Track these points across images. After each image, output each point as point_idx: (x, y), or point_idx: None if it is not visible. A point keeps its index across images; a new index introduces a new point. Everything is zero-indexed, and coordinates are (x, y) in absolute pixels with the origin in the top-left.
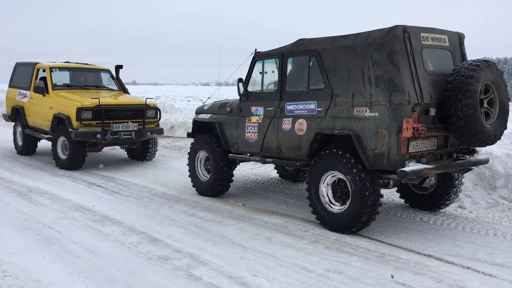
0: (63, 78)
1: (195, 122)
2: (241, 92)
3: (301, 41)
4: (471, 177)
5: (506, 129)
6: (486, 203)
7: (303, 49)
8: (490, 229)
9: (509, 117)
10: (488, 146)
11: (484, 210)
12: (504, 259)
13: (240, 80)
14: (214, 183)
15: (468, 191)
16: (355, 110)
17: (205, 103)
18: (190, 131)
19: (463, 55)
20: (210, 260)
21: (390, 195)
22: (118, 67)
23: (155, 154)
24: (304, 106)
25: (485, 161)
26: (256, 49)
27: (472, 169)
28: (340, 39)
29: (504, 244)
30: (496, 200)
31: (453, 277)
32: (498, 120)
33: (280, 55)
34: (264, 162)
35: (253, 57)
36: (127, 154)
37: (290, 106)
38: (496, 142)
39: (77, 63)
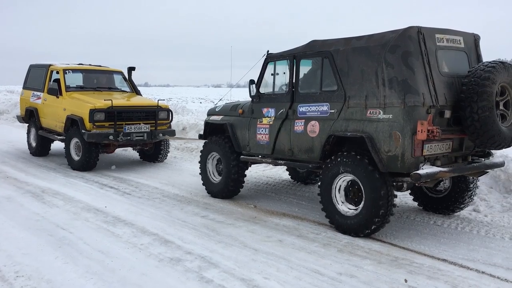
0: (76, 80)
1: (207, 124)
2: (253, 93)
3: (313, 43)
4: (486, 180)
5: None
6: (501, 206)
7: (316, 50)
8: (505, 233)
9: None
10: (503, 149)
11: (499, 214)
12: None
13: (251, 81)
14: (226, 185)
15: (483, 194)
16: (369, 112)
17: (216, 105)
18: (201, 132)
19: (478, 57)
20: (222, 262)
21: (404, 198)
22: (131, 69)
23: (167, 155)
24: (316, 108)
25: (501, 164)
26: (268, 51)
27: (488, 172)
28: (353, 40)
29: None
30: None
31: (468, 281)
32: None
33: (293, 56)
34: (276, 164)
35: (265, 59)
36: (139, 155)
37: (302, 108)
38: None
39: (90, 65)
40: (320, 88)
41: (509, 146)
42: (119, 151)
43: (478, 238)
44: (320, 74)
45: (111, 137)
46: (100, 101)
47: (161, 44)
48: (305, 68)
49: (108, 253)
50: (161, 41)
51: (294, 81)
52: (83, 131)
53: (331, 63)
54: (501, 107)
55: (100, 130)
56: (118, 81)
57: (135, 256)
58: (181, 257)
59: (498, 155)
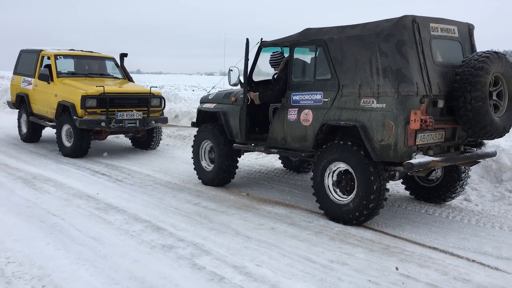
0: (67, 65)
1: (200, 112)
2: (234, 81)
3: (308, 31)
4: (477, 170)
5: None
6: (492, 196)
7: (310, 38)
8: (496, 222)
9: None
10: (496, 139)
11: (490, 203)
12: (510, 253)
13: (231, 69)
14: (218, 173)
15: (474, 184)
16: (362, 101)
17: (209, 93)
18: (194, 120)
19: (472, 47)
20: (214, 249)
21: (395, 187)
22: (123, 56)
23: (159, 143)
24: (310, 97)
25: (493, 154)
26: (262, 38)
27: (480, 162)
28: (347, 29)
29: (510, 238)
30: (503, 193)
31: (459, 270)
32: (507, 112)
33: (286, 44)
34: (269, 153)
35: (259, 46)
36: (131, 142)
37: (296, 97)
38: (504, 135)
39: (82, 51)
40: (313, 76)
41: (501, 136)
42: (111, 138)
43: (469, 227)
44: (314, 62)
45: (103, 124)
46: (92, 87)
47: (154, 31)
48: (299, 56)
49: (100, 240)
50: (154, 28)
51: (287, 69)
52: (74, 117)
53: (325, 51)
54: (494, 97)
55: (92, 117)
56: (110, 67)
57: (127, 243)
58: (174, 244)
59: (490, 145)
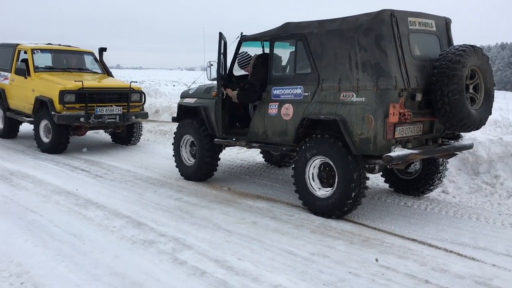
0: (45, 60)
1: (180, 107)
2: (212, 76)
3: (287, 25)
4: (454, 163)
5: (490, 114)
6: (469, 188)
7: (290, 33)
8: (473, 214)
9: (493, 103)
10: (472, 132)
11: (467, 195)
12: (486, 243)
13: (211, 63)
14: (200, 167)
15: (451, 176)
16: (342, 95)
17: (190, 87)
18: (175, 115)
19: (449, 40)
20: (195, 244)
21: (375, 179)
22: (102, 50)
23: (139, 138)
24: (290, 91)
25: (470, 146)
26: (242, 33)
27: (457, 154)
28: (327, 23)
29: (487, 228)
30: (479, 185)
31: (437, 260)
32: (483, 105)
33: (266, 38)
34: (250, 147)
35: (239, 41)
36: (111, 138)
37: (276, 91)
38: (481, 127)
39: (59, 45)
40: (294, 71)
41: (478, 129)
42: (90, 133)
43: (446, 218)
44: (294, 56)
45: (82, 119)
46: (71, 82)
47: (134, 25)
48: (279, 51)
49: (79, 236)
50: (134, 22)
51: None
52: (52, 112)
53: (305, 45)
54: (470, 90)
55: (70, 112)
56: (89, 62)
57: (107, 239)
58: (155, 239)
59: (467, 137)
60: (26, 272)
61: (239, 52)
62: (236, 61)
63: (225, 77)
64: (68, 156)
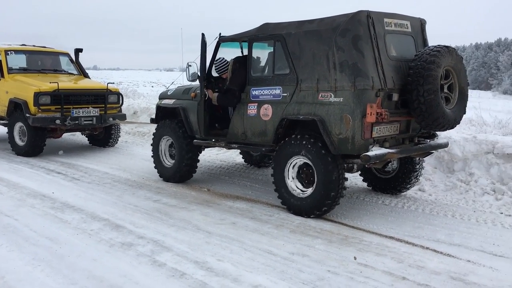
0: (19, 61)
1: (159, 108)
2: (193, 77)
3: (266, 26)
4: (430, 161)
5: (465, 113)
6: (445, 185)
7: (268, 33)
8: (448, 211)
9: (468, 102)
10: (447, 131)
11: (442, 193)
12: (461, 239)
13: (189, 64)
14: (179, 169)
15: (427, 174)
16: (320, 95)
17: (168, 88)
18: (153, 116)
19: (424, 41)
20: (175, 245)
21: (353, 179)
22: (78, 51)
23: (117, 140)
24: (269, 92)
25: (445, 145)
26: (220, 33)
27: (433, 153)
28: (305, 23)
29: (462, 225)
30: (454, 183)
31: (413, 257)
32: (458, 105)
33: (245, 39)
34: (230, 148)
35: (217, 42)
36: (88, 140)
37: (255, 92)
38: (455, 126)
39: (34, 46)
40: (272, 71)
41: (452, 128)
42: (66, 135)
43: (423, 216)
44: (273, 57)
45: (57, 122)
46: (46, 83)
47: (111, 25)
48: (257, 51)
49: (56, 240)
50: (111, 22)
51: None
52: (27, 115)
53: (283, 46)
54: (445, 90)
55: (46, 114)
56: (64, 63)
57: (84, 242)
58: (133, 242)
59: (442, 136)
60: (1, 277)
61: (216, 59)
62: (214, 68)
63: (205, 78)
64: (43, 159)
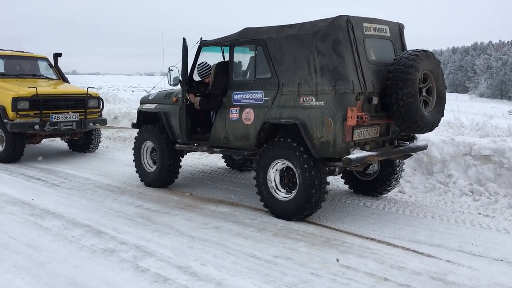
0: None
1: (140, 113)
2: (174, 82)
3: (247, 30)
4: (410, 163)
5: (443, 116)
6: (424, 187)
7: (249, 38)
8: (428, 212)
9: (445, 105)
10: (426, 133)
11: (422, 194)
12: (441, 240)
13: (171, 69)
14: (161, 173)
15: (407, 176)
16: (301, 99)
17: (150, 93)
18: (135, 121)
19: (403, 45)
20: (158, 251)
21: (335, 181)
22: (57, 55)
23: (98, 145)
24: (251, 96)
25: (424, 147)
26: (201, 38)
27: (412, 155)
28: (285, 28)
29: (441, 226)
30: (433, 184)
31: (395, 258)
32: (436, 108)
33: (226, 44)
34: (212, 152)
35: (199, 46)
36: (68, 145)
37: (237, 96)
38: (434, 129)
39: (11, 50)
40: (254, 75)
41: (431, 130)
42: (46, 141)
43: (403, 217)
44: (254, 61)
45: (36, 127)
46: (24, 88)
47: (90, 30)
48: (239, 56)
49: (36, 247)
50: (90, 27)
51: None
52: (5, 120)
53: (265, 50)
54: (423, 93)
55: (24, 120)
56: (43, 68)
57: (66, 249)
58: (115, 248)
59: (421, 138)
60: None
61: (198, 63)
62: (197, 72)
63: (187, 83)
64: (22, 165)
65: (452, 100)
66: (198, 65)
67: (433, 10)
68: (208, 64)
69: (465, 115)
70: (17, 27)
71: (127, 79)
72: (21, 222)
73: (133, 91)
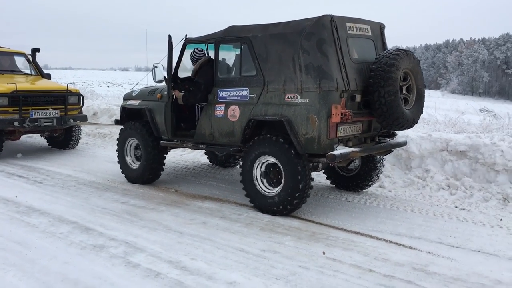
0: None
1: (124, 109)
2: (159, 78)
3: (232, 28)
4: (389, 159)
5: (422, 113)
6: (403, 182)
7: (235, 36)
8: (407, 206)
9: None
10: (406, 130)
11: (401, 189)
12: (421, 233)
13: (155, 65)
14: (145, 170)
15: (387, 171)
16: (287, 96)
17: (133, 89)
18: (116, 117)
19: (383, 44)
20: (147, 246)
21: (318, 177)
22: (35, 51)
23: (78, 142)
24: (236, 93)
25: (404, 144)
26: (186, 35)
27: (393, 151)
28: (270, 27)
29: (420, 219)
30: (412, 179)
31: (378, 250)
32: (415, 105)
33: (211, 41)
34: (197, 149)
35: (184, 43)
36: (48, 142)
37: (222, 93)
38: (413, 126)
39: None
40: (239, 73)
41: (411, 127)
42: (24, 137)
43: (384, 211)
44: (239, 59)
45: (16, 123)
46: (3, 84)
47: (61, 24)
48: (224, 53)
49: (25, 244)
50: (61, 20)
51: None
52: None
53: (250, 48)
54: (404, 91)
55: (3, 116)
56: (20, 63)
57: (55, 245)
58: (105, 244)
59: (401, 135)
60: None
61: (198, 48)
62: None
63: (172, 79)
64: (1, 162)
65: (425, 96)
66: (196, 48)
67: (405, 7)
68: (204, 53)
69: (437, 111)
70: None
71: (101, 74)
72: (7, 220)
73: (108, 86)
